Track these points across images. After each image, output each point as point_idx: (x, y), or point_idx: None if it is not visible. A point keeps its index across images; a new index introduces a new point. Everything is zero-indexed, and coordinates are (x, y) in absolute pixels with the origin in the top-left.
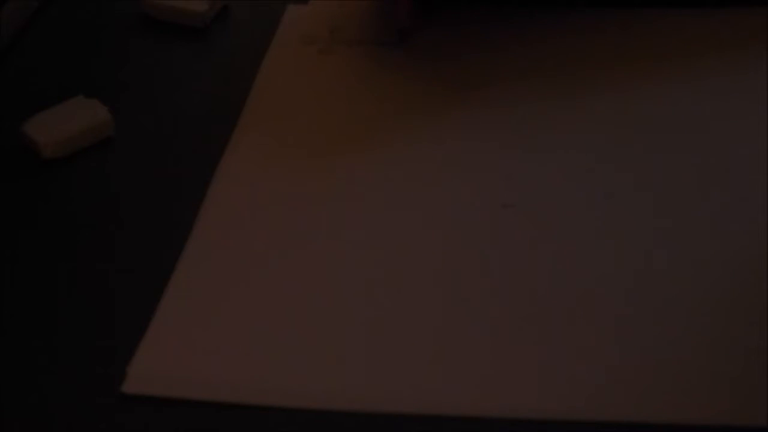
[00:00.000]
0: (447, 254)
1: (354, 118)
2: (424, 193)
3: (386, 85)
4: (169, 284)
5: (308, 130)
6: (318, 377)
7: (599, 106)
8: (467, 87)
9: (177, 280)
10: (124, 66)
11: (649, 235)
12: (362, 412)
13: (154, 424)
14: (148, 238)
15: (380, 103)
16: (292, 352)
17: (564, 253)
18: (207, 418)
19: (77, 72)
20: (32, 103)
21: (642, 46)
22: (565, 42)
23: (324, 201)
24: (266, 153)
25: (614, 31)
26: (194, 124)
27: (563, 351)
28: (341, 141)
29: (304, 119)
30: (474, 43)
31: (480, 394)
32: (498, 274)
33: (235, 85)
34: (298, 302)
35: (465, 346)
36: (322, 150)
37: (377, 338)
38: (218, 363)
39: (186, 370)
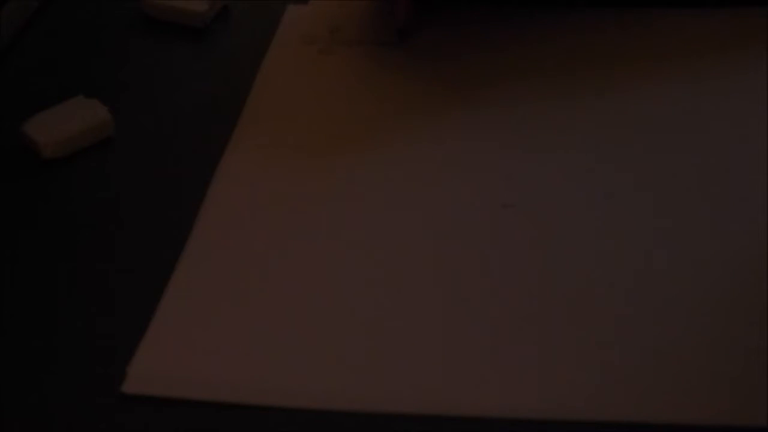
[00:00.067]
0: (447, 254)
1: (354, 118)
2: (424, 193)
3: (386, 85)
4: (169, 284)
5: (308, 130)
6: (318, 377)
7: (599, 106)
8: (467, 87)
9: (177, 280)
10: (124, 66)
11: (649, 235)
12: (362, 412)
13: (154, 424)
14: (148, 238)
15: (380, 103)
16: (292, 352)
17: (564, 253)
18: (207, 418)
19: (77, 72)
20: (32, 103)
21: (642, 46)
22: (565, 42)
23: (324, 201)
24: (266, 153)
25: (614, 31)
26: (194, 124)
27: (563, 351)
28: (341, 141)
29: (304, 119)
30: (474, 43)
31: (480, 394)
32: (498, 274)
33: (235, 85)
34: (298, 302)
35: (465, 346)
36: (322, 150)
37: (377, 338)
38: (218, 363)
39: (186, 370)
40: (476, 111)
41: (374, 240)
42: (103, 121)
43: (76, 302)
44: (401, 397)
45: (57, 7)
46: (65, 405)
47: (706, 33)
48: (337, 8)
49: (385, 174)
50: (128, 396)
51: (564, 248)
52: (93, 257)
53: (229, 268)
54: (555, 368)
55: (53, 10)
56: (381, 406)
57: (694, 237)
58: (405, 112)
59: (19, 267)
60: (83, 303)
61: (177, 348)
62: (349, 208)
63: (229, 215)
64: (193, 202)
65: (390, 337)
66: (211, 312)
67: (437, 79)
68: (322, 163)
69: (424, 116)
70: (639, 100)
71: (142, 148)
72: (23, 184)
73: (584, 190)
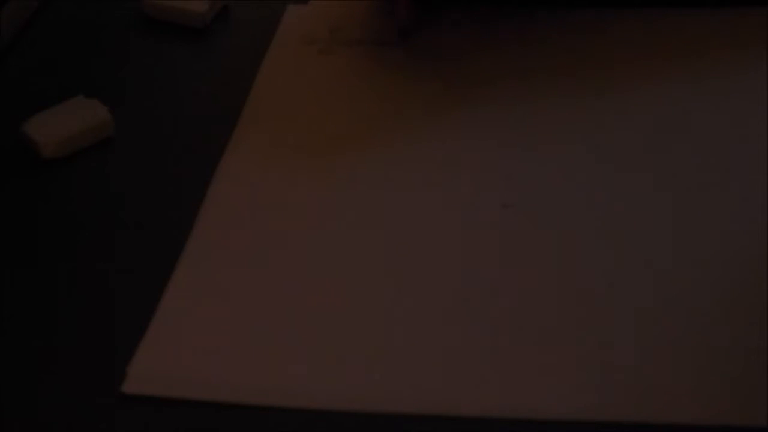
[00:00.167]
0: (447, 254)
1: (354, 118)
2: (423, 192)
3: (386, 85)
4: (169, 284)
5: (308, 130)
6: (318, 377)
7: (599, 105)
8: (467, 86)
9: (177, 280)
10: (124, 66)
11: (649, 235)
12: (362, 412)
13: (154, 424)
14: (148, 238)
15: (380, 103)
16: (292, 352)
17: (564, 253)
18: (207, 418)
19: (77, 72)
20: (32, 103)
21: (642, 46)
22: (565, 42)
23: (324, 201)
24: (266, 153)
25: (614, 31)
26: (194, 124)
27: (563, 351)
28: (341, 141)
29: (304, 119)
30: (474, 43)
31: (480, 394)
32: (498, 274)
33: (235, 85)
34: (298, 302)
35: (465, 346)
36: (322, 150)
37: (377, 338)
38: (218, 363)
39: (186, 370)
40: (476, 110)
41: (374, 240)
42: (103, 121)
43: (76, 302)
44: (401, 397)
45: (57, 7)
46: (65, 405)
47: (706, 33)
48: (337, 8)
49: (385, 174)
50: (128, 396)
51: (564, 248)
52: (93, 257)
53: (229, 268)
54: (555, 368)
55: (53, 10)
56: (381, 406)
57: (694, 237)
58: (405, 112)
59: (19, 267)
60: (83, 303)
61: (177, 348)
62: (349, 207)
63: (229, 215)
64: (193, 202)
65: (390, 337)
66: (211, 312)
67: (437, 79)
68: (322, 163)
69: (424, 116)
70: (639, 100)
71: (142, 148)
72: (23, 184)
73: (584, 190)
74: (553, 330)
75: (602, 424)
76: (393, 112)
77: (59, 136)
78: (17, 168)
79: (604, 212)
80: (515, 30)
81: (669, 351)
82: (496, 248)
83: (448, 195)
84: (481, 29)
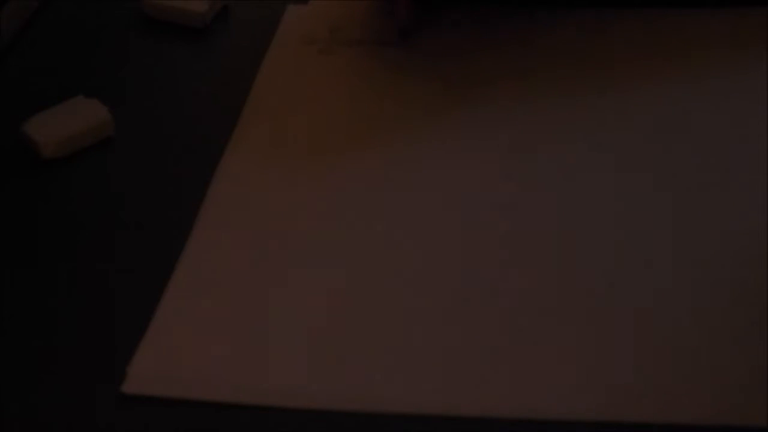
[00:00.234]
0: (447, 254)
1: (354, 118)
2: (423, 193)
3: (386, 85)
4: (169, 284)
5: (308, 130)
6: (318, 377)
7: (599, 105)
8: (467, 86)
9: (177, 280)
10: (124, 66)
11: (649, 235)
12: (362, 412)
13: (154, 424)
14: (148, 238)
15: (380, 103)
16: (292, 352)
17: (564, 253)
18: (207, 418)
19: (77, 72)
20: (32, 103)
21: (642, 46)
22: (565, 42)
23: (324, 200)
24: (266, 153)
25: (614, 31)
26: (194, 124)
27: (563, 351)
28: (341, 141)
29: (304, 119)
30: (474, 42)
31: (480, 394)
32: (498, 274)
33: (235, 85)
34: (298, 302)
35: (465, 346)
36: (323, 150)
37: (377, 338)
38: (218, 363)
39: (186, 370)
40: (476, 110)
41: (374, 240)
42: (103, 121)
43: (76, 302)
44: (401, 397)
45: (57, 7)
46: (65, 405)
47: (706, 33)
48: (337, 8)
49: (385, 173)
50: (128, 396)
51: (564, 248)
52: (93, 257)
53: (229, 268)
54: (555, 368)
55: (53, 10)
56: (381, 406)
57: (694, 237)
58: (405, 112)
59: (19, 267)
60: (83, 303)
61: (177, 348)
62: (349, 207)
63: (229, 215)
64: (193, 202)
65: (390, 337)
66: (211, 312)
67: (437, 79)
68: (322, 163)
69: (424, 116)
70: (639, 100)
71: (142, 148)
72: (23, 184)
73: (584, 190)
74: (553, 330)
75: (602, 424)
76: (393, 112)
77: (59, 136)
78: (17, 168)
79: (604, 212)
80: (515, 30)
81: (669, 351)
82: (496, 248)
83: (448, 195)
84: (481, 29)
